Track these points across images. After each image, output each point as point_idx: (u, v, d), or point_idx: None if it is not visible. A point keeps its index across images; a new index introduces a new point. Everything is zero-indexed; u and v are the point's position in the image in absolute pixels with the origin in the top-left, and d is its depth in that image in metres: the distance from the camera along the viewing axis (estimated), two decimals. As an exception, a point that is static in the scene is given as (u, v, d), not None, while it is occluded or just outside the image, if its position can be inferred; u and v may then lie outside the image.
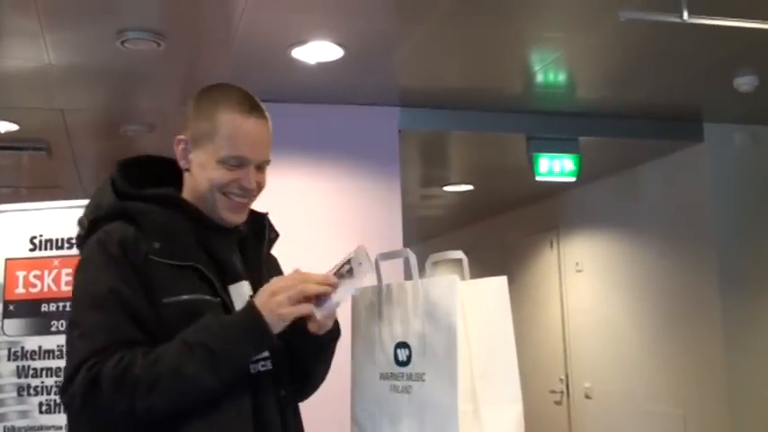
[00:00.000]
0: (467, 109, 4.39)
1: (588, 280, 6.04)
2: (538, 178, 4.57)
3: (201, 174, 1.59)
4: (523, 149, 4.61)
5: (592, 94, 4.31)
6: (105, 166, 5.65)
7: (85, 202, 4.57)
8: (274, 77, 3.72)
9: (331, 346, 1.71)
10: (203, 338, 1.44)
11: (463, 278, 1.76)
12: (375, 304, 1.83)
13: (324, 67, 3.59)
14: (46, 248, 3.50)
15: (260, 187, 1.63)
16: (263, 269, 1.69)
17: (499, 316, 1.73)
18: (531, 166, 4.55)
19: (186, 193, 1.65)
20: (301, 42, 3.32)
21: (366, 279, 1.52)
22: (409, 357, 1.74)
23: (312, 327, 1.57)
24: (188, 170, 1.63)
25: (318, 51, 3.40)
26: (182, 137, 1.63)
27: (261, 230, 1.77)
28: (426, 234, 8.71)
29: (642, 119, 4.66)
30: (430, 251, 1.82)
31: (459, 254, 1.83)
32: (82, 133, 4.58)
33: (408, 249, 1.75)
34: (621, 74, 3.96)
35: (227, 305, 1.54)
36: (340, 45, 3.35)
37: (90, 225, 1.59)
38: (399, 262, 1.91)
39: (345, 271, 1.55)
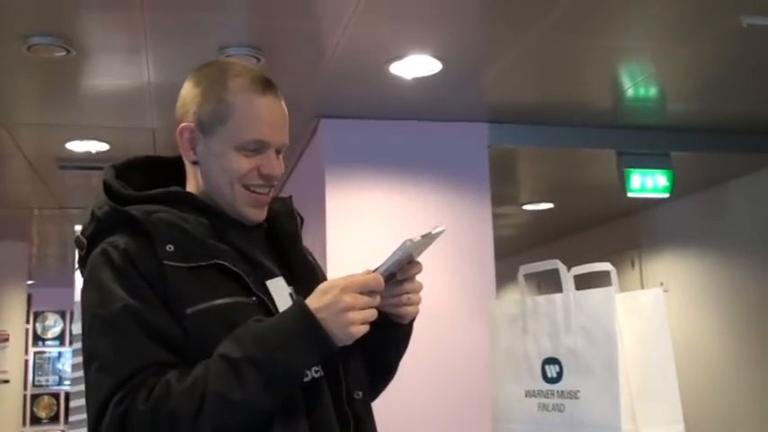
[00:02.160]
0: (555, 125, 4.30)
1: (674, 300, 5.86)
2: (629, 194, 4.45)
3: (216, 164, 1.38)
4: (612, 166, 4.50)
5: (684, 107, 4.19)
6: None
7: None
8: (369, 94, 3.70)
9: (411, 332, 1.52)
10: (249, 352, 1.19)
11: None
12: (518, 318, 1.76)
13: (419, 83, 3.55)
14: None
15: (280, 176, 1.43)
16: (308, 260, 1.49)
17: (656, 330, 1.65)
18: (622, 183, 4.43)
19: (194, 190, 1.42)
20: (399, 57, 3.29)
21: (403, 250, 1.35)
22: (560, 374, 1.66)
23: (399, 319, 1.43)
24: (196, 163, 1.40)
25: (416, 66, 3.37)
26: (186, 124, 1.39)
27: (290, 219, 1.51)
28: (499, 255, 8.58)
29: (733, 133, 4.52)
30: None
31: (606, 266, 1.75)
32: (168, 152, 4.61)
33: (558, 261, 1.68)
34: (714, 85, 3.84)
35: (265, 305, 1.30)
36: (438, 59, 3.31)
37: (89, 241, 1.35)
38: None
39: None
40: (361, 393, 1.39)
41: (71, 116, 4.01)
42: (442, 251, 3.94)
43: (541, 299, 1.71)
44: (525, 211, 6.27)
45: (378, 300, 1.27)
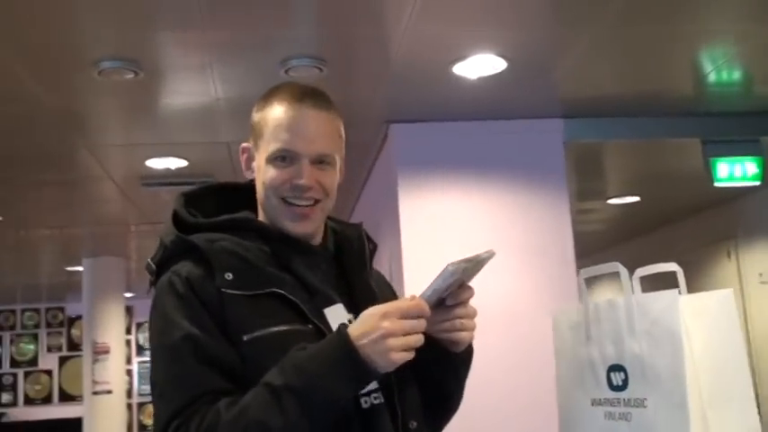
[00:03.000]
0: (634, 116, 4.16)
1: (774, 291, 5.59)
2: (716, 184, 4.25)
3: (259, 178, 1.41)
4: (698, 155, 4.32)
5: (771, 90, 3.98)
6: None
7: None
8: (434, 96, 3.66)
9: (470, 359, 1.48)
10: (290, 380, 1.19)
11: (680, 293, 1.60)
12: (581, 324, 1.69)
13: (485, 82, 3.48)
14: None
15: (324, 188, 1.40)
16: (370, 287, 1.46)
17: (727, 334, 1.56)
18: (708, 172, 4.24)
19: (261, 212, 1.45)
20: (462, 57, 3.23)
21: (448, 276, 1.28)
22: (625, 381, 1.59)
23: (453, 346, 1.38)
24: (254, 181, 1.45)
25: (480, 65, 3.31)
26: (246, 144, 1.46)
27: (359, 245, 1.50)
28: (587, 250, 8.39)
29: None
30: (640, 268, 1.66)
31: (672, 266, 1.67)
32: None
33: (618, 264, 1.60)
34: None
35: (322, 332, 1.30)
36: (503, 57, 3.24)
37: (158, 268, 1.40)
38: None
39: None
40: (415, 423, 1.37)
41: (148, 135, 4.12)
42: (519, 252, 3.89)
43: (603, 303, 1.64)
44: (611, 205, 6.10)
45: (422, 325, 1.23)
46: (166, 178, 4.76)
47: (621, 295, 1.59)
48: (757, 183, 4.30)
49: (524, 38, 3.13)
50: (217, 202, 1.49)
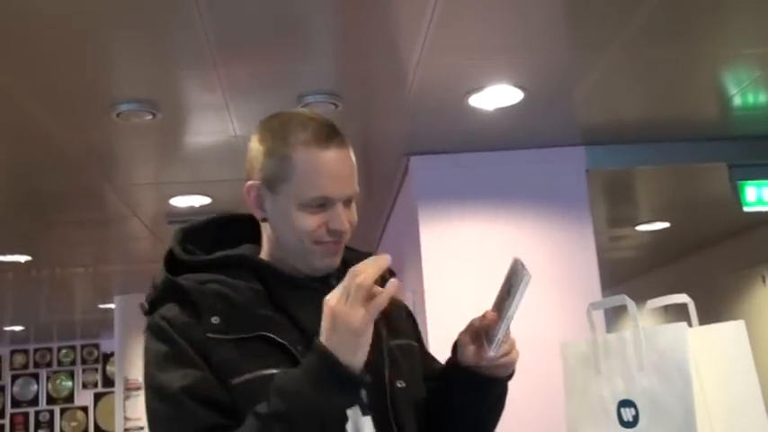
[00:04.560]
0: (658, 141, 4.11)
1: (811, 317, 5.45)
2: (745, 209, 4.18)
3: (283, 221, 1.34)
4: (725, 179, 4.25)
5: (799, 112, 3.90)
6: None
7: None
8: (451, 128, 3.65)
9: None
10: (274, 406, 1.16)
11: (691, 325, 1.56)
12: (590, 357, 1.66)
13: (503, 112, 3.47)
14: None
15: (352, 225, 1.38)
16: (378, 323, 1.31)
17: (739, 367, 1.51)
18: (736, 197, 4.16)
19: (267, 246, 1.41)
20: (478, 89, 3.22)
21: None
22: (636, 417, 1.55)
23: (500, 370, 1.36)
24: (265, 220, 1.38)
25: (497, 96, 3.29)
26: (252, 182, 1.37)
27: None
28: (619, 278, 8.28)
29: None
30: (627, 294, 1.62)
31: (683, 297, 1.63)
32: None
33: (626, 296, 1.57)
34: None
35: None
36: (519, 87, 3.23)
37: (150, 308, 1.37)
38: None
39: (505, 292, 1.32)
40: None
41: (171, 174, 4.17)
42: (542, 284, 3.82)
43: (612, 337, 1.60)
44: (641, 232, 6.01)
45: (371, 272, 1.17)
46: (191, 216, 4.79)
47: (614, 330, 1.55)
48: (787, 206, 4.21)
49: (540, 66, 3.11)
50: (215, 236, 1.47)
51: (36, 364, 11.30)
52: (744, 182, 4.14)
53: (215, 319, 1.28)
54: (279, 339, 1.27)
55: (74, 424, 11.23)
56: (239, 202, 4.23)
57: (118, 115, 3.15)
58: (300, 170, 1.31)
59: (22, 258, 5.77)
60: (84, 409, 11.27)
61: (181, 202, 4.56)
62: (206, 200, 4.57)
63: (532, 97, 3.33)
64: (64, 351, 11.39)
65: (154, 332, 1.31)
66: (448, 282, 3.81)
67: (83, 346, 11.40)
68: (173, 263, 1.39)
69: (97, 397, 11.29)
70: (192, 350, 1.26)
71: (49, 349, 11.39)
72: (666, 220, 5.74)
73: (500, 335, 1.29)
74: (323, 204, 1.32)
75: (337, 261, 1.39)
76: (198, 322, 1.28)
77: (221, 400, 1.23)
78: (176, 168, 4.09)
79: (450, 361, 1.45)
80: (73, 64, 2.77)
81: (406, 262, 4.35)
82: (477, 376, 1.37)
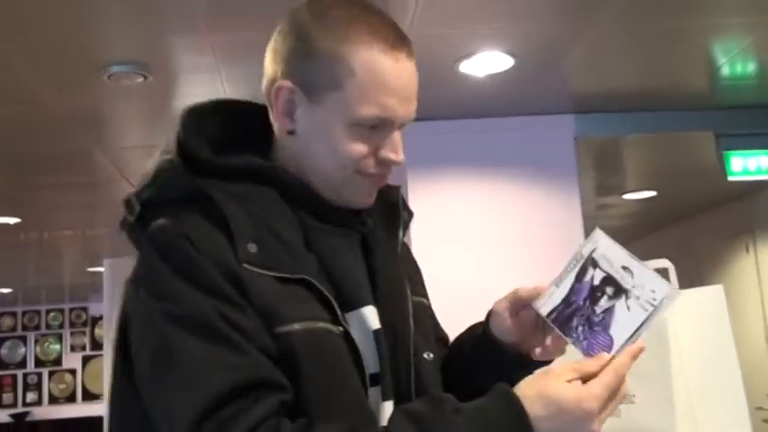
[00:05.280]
0: (646, 110, 4.13)
1: (793, 286, 5.53)
2: (730, 178, 4.22)
3: (323, 141, 1.07)
4: (712, 149, 4.29)
5: (786, 83, 3.94)
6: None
7: None
8: (442, 94, 3.66)
9: None
10: None
11: (671, 288, 1.60)
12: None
13: (493, 79, 3.49)
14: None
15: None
16: (396, 273, 1.16)
17: (717, 330, 1.56)
18: (721, 166, 4.21)
19: (288, 166, 1.11)
20: (469, 55, 3.24)
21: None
22: (616, 378, 1.59)
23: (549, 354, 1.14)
24: (293, 133, 1.09)
25: (487, 63, 3.31)
26: (285, 83, 1.07)
27: (392, 214, 1.21)
28: (606, 246, 8.34)
29: None
30: None
31: (664, 262, 1.66)
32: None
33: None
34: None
35: (350, 339, 1.01)
36: (510, 54, 3.24)
37: (144, 208, 1.05)
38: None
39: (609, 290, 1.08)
40: None
41: (161, 137, 4.15)
42: (529, 249, 3.88)
43: (595, 300, 1.64)
44: (628, 200, 6.06)
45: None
46: (181, 179, 4.80)
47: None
48: (772, 176, 4.27)
49: (530, 34, 3.12)
50: (224, 130, 1.14)
51: (24, 327, 11.33)
52: (729, 152, 4.18)
53: (252, 247, 0.99)
54: (322, 289, 1.01)
55: (62, 386, 11.30)
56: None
57: (109, 77, 3.15)
58: (360, 79, 1.03)
59: (11, 220, 5.77)
60: (73, 372, 11.33)
61: (170, 165, 4.56)
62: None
63: (522, 64, 3.35)
64: (52, 314, 11.42)
65: (165, 251, 0.99)
66: (437, 248, 3.84)
67: (71, 309, 11.43)
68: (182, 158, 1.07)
69: (85, 360, 11.35)
70: (228, 283, 0.97)
71: (38, 312, 11.42)
72: (653, 189, 5.79)
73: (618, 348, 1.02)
74: (376, 126, 1.05)
75: (374, 197, 1.14)
76: (230, 248, 0.99)
77: (270, 348, 0.96)
78: (166, 131, 4.08)
79: (478, 332, 1.22)
80: (64, 25, 2.76)
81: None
82: (514, 356, 1.16)
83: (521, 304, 1.14)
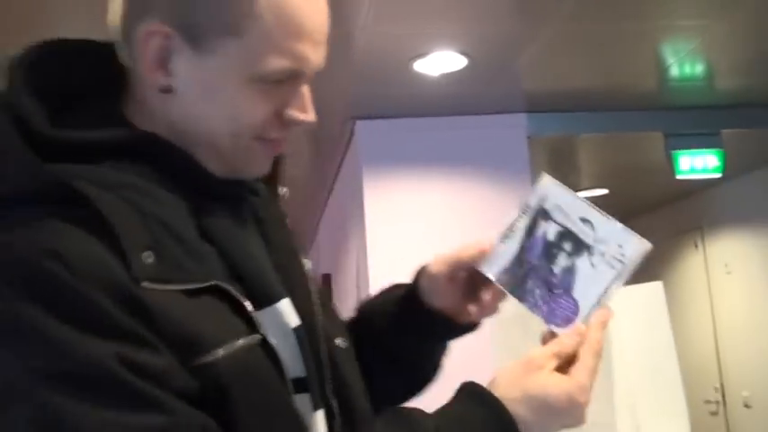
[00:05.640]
0: (598, 110, 4.22)
1: (739, 282, 5.68)
2: (678, 177, 4.33)
3: (211, 101, 0.82)
4: (661, 148, 4.39)
5: (732, 84, 4.05)
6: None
7: None
8: (397, 93, 3.69)
9: None
10: None
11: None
12: (518, 318, 1.74)
13: (447, 78, 3.53)
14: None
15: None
16: (295, 247, 0.94)
17: (656, 325, 1.61)
18: (670, 165, 4.31)
19: (156, 131, 0.84)
20: (423, 55, 3.27)
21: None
22: (560, 372, 1.63)
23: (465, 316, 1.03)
24: (167, 90, 0.82)
25: (441, 62, 3.35)
26: (157, 26, 0.80)
27: (274, 181, 0.97)
28: (560, 242, 8.48)
29: (790, 106, 4.35)
30: None
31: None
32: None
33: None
34: (763, 59, 3.70)
35: (270, 350, 0.78)
36: (463, 54, 3.29)
37: None
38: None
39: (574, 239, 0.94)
40: None
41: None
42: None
43: (540, 297, 1.68)
44: (581, 198, 6.16)
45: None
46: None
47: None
48: (718, 175, 4.38)
49: (484, 34, 3.17)
50: (63, 79, 0.84)
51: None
52: (678, 151, 4.28)
53: (148, 257, 0.73)
54: (238, 296, 0.78)
55: None
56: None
57: None
58: (266, 20, 0.80)
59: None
60: None
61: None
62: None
63: (476, 64, 3.39)
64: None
65: (23, 280, 0.68)
66: (391, 246, 3.88)
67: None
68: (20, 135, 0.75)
69: None
70: (125, 314, 0.70)
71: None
72: (605, 187, 5.89)
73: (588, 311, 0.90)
74: (283, 80, 0.84)
75: (270, 166, 0.92)
76: (117, 261, 0.71)
77: (192, 391, 0.72)
78: None
79: (396, 298, 1.07)
80: None
81: (351, 226, 4.41)
82: (444, 322, 1.02)
83: (461, 267, 1.01)
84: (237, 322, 0.77)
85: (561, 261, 0.92)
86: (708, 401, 6.01)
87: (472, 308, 1.02)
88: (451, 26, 3.07)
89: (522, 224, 0.96)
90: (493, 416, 0.84)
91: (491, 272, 0.96)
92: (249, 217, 0.90)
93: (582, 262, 0.92)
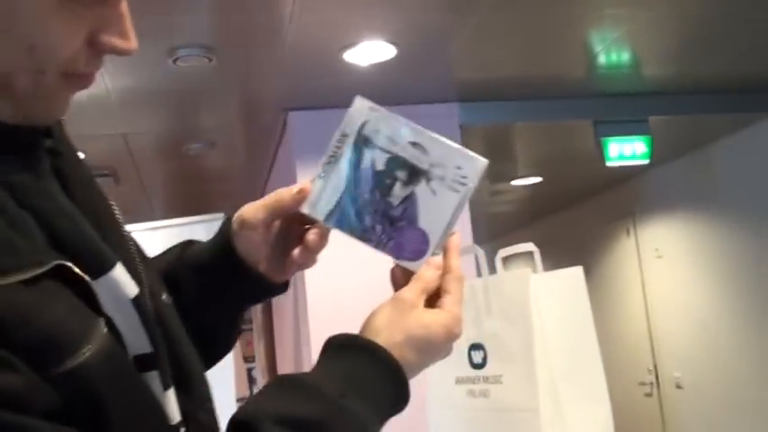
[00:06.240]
0: (529, 98, 4.26)
1: (670, 266, 5.82)
2: (608, 164, 4.41)
3: (3, 29, 0.62)
4: (591, 135, 4.46)
5: (659, 72, 4.13)
6: (173, 187, 5.74)
7: (158, 223, 4.45)
8: (328, 83, 3.67)
9: None
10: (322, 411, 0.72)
11: (536, 271, 1.67)
12: (444, 306, 1.74)
13: (377, 68, 3.52)
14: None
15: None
16: (104, 195, 0.79)
17: (578, 309, 1.63)
18: (600, 152, 4.39)
19: None
20: (352, 44, 3.25)
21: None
22: (485, 359, 1.65)
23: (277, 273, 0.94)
24: None
25: (370, 52, 3.34)
26: None
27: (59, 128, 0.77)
28: (498, 231, 8.57)
29: (714, 93, 4.45)
30: (502, 249, 1.72)
31: (530, 246, 1.73)
32: (145, 156, 4.62)
33: (476, 246, 1.66)
34: (689, 47, 3.78)
35: (113, 328, 0.66)
36: (392, 43, 3.28)
37: None
38: (471, 262, 1.82)
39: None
40: None
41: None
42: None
43: (465, 286, 1.69)
44: (515, 186, 6.23)
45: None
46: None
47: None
48: (646, 161, 4.47)
49: (412, 23, 3.16)
50: None
51: None
52: (607, 138, 4.35)
53: None
54: (82, 274, 0.63)
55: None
56: (113, 156, 4.11)
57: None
58: None
59: None
60: None
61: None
62: (79, 155, 4.42)
63: (405, 53, 3.39)
64: None
65: None
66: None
67: None
68: None
69: None
70: None
71: None
72: (539, 175, 5.97)
73: (433, 248, 0.85)
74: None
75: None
76: None
77: (57, 406, 0.59)
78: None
79: (210, 252, 0.95)
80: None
81: (286, 217, 4.37)
82: (259, 279, 0.93)
83: (280, 213, 0.91)
84: (82, 306, 0.63)
85: (397, 191, 0.85)
86: (642, 383, 6.15)
87: (296, 252, 0.91)
88: (379, 15, 3.06)
89: (344, 155, 0.86)
90: (389, 370, 0.78)
91: (317, 212, 0.86)
92: (47, 168, 0.71)
93: (420, 189, 0.85)
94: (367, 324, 0.82)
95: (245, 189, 5.55)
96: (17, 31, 0.63)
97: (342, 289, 3.58)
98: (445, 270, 0.85)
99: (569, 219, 7.34)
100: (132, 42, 0.70)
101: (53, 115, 0.71)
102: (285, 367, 5.31)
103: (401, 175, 0.85)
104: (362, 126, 0.87)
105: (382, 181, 0.85)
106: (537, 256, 1.71)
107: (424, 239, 0.84)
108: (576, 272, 1.63)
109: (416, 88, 3.89)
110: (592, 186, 6.45)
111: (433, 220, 0.84)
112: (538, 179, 6.02)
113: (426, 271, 0.85)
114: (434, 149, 0.85)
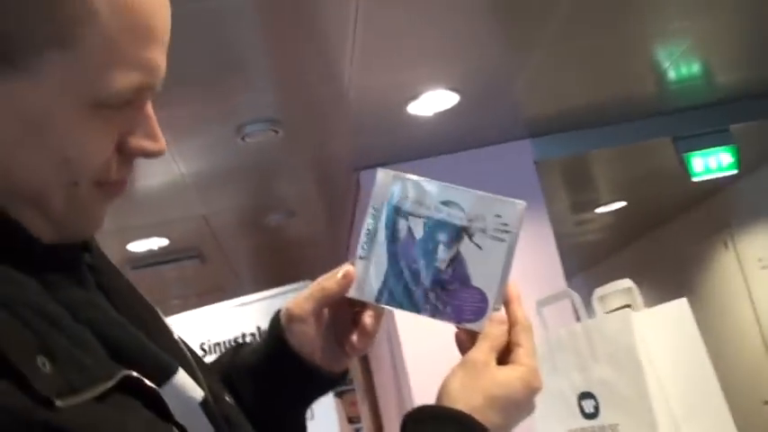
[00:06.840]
0: (602, 125, 4.15)
1: (776, 275, 5.53)
2: (694, 179, 4.24)
3: (36, 142, 0.60)
4: (672, 153, 4.31)
5: (732, 78, 3.98)
6: (258, 260, 5.80)
7: (247, 298, 4.49)
8: (396, 137, 3.66)
9: None
10: None
11: (636, 308, 1.58)
12: (545, 355, 1.67)
13: (443, 116, 3.49)
14: (214, 352, 3.56)
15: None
16: (147, 301, 0.77)
17: (688, 344, 1.53)
18: (684, 168, 4.23)
19: None
20: (414, 97, 3.24)
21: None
22: (597, 408, 1.56)
23: (335, 363, 0.89)
24: None
25: (434, 101, 3.32)
26: None
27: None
28: (589, 261, 8.35)
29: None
30: (595, 280, 1.64)
31: (627, 282, 1.64)
32: (227, 233, 4.70)
33: (570, 290, 1.58)
34: (758, 50, 3.64)
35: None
36: (454, 90, 3.26)
37: None
38: (567, 308, 1.75)
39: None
40: None
41: (124, 220, 4.12)
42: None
43: (564, 331, 1.61)
44: (600, 214, 6.08)
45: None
46: (153, 258, 4.76)
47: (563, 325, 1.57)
48: (734, 171, 4.29)
49: (471, 68, 3.14)
50: None
51: None
52: (689, 153, 4.20)
53: (43, 363, 0.54)
54: (151, 385, 0.61)
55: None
56: (197, 237, 4.18)
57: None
58: (108, 24, 0.59)
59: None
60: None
61: (139, 246, 4.53)
62: (164, 241, 4.53)
63: (469, 98, 3.36)
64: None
65: None
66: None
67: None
68: None
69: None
70: None
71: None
72: (623, 200, 5.81)
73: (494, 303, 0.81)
74: (130, 101, 0.63)
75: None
76: (7, 381, 0.51)
77: None
78: (130, 214, 4.05)
79: (265, 350, 0.89)
80: None
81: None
82: (317, 372, 0.87)
83: (328, 301, 0.85)
84: (155, 418, 0.60)
85: (441, 254, 0.81)
86: (767, 402, 5.82)
87: (353, 338, 0.86)
88: (437, 66, 3.05)
89: (379, 232, 0.82)
90: None
91: (366, 295, 0.82)
92: (92, 281, 0.70)
93: (465, 247, 0.82)
94: (442, 392, 0.78)
95: (329, 253, 5.56)
96: (51, 145, 0.61)
97: (438, 346, 3.51)
98: (511, 323, 0.81)
99: (661, 239, 7.10)
100: (161, 143, 0.67)
101: (91, 228, 0.68)
102: (392, 428, 5.23)
103: (442, 237, 0.82)
104: (391, 197, 0.82)
105: (424, 248, 0.82)
106: (635, 292, 1.62)
107: (481, 297, 0.81)
108: (681, 304, 1.54)
109: (484, 130, 3.84)
110: (680, 204, 6.24)
111: (486, 275, 0.81)
112: (622, 204, 5.86)
113: (492, 328, 0.80)
114: (468, 203, 0.82)
